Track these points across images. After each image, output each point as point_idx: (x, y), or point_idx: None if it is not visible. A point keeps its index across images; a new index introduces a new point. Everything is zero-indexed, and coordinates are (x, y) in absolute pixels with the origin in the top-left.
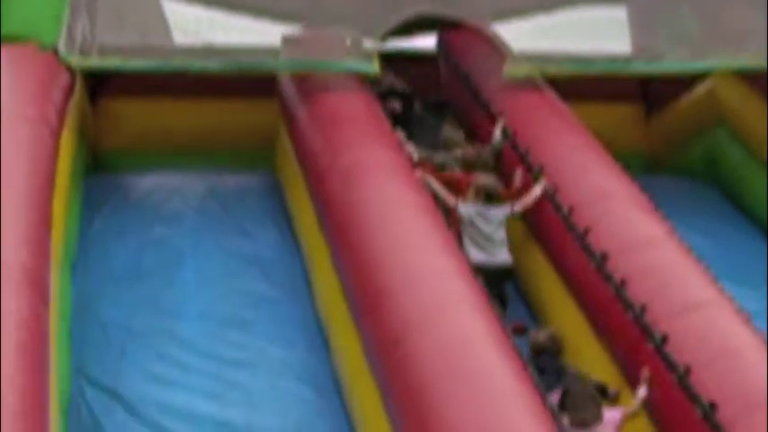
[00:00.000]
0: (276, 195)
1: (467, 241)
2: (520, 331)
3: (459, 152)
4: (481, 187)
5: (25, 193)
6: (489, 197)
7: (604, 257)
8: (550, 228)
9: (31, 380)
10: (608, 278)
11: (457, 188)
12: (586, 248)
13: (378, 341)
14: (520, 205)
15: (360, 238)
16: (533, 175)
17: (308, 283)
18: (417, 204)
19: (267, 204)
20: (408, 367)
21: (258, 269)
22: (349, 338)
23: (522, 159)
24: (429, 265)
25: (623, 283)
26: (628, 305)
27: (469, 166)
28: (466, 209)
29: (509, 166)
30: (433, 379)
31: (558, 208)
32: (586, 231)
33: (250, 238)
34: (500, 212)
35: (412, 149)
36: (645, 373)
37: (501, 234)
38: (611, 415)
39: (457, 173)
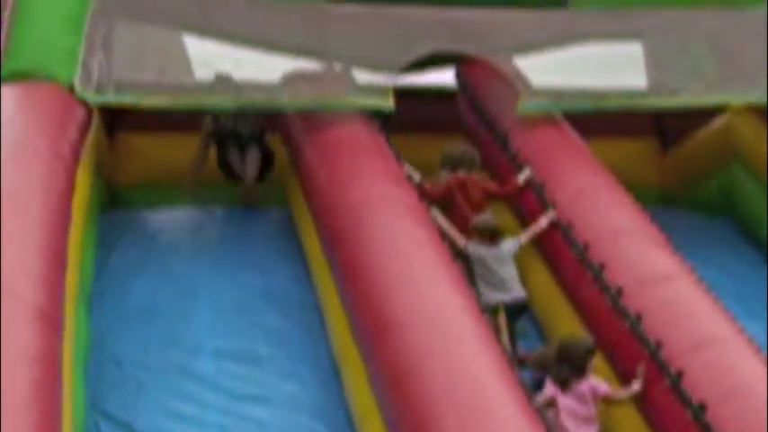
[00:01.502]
0: (290, 229)
1: (480, 283)
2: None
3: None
4: (481, 228)
5: (40, 229)
6: (492, 235)
7: (619, 293)
8: (566, 263)
9: (43, 416)
10: (623, 313)
11: (443, 200)
12: (602, 284)
13: (384, 376)
14: (526, 236)
15: (366, 273)
16: (545, 205)
17: (321, 318)
18: (424, 239)
19: (282, 239)
20: (415, 402)
21: (273, 304)
22: (358, 373)
23: (538, 194)
24: (436, 299)
25: (639, 318)
26: (643, 341)
27: (455, 166)
28: (475, 249)
29: (525, 201)
30: (439, 414)
31: (573, 243)
32: (602, 267)
33: (265, 273)
34: (507, 248)
35: (412, 171)
36: (641, 367)
37: (512, 270)
38: (596, 383)
39: (446, 178)
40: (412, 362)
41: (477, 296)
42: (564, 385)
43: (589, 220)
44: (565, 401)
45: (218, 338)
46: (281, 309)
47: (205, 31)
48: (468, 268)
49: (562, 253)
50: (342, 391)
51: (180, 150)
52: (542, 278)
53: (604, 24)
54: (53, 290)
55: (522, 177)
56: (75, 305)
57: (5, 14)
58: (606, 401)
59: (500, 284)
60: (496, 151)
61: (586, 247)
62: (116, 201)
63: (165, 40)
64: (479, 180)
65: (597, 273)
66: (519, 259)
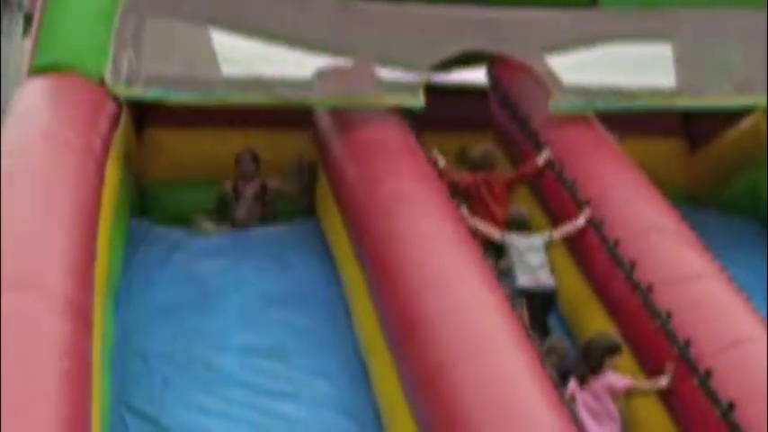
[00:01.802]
0: (319, 227)
1: (515, 268)
2: None
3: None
4: (517, 220)
5: (71, 222)
6: (521, 225)
7: (650, 290)
8: (597, 260)
9: (74, 409)
10: (653, 311)
11: (466, 192)
12: (632, 281)
13: (415, 375)
14: (559, 233)
15: (396, 270)
16: (580, 204)
17: (349, 315)
18: (454, 236)
19: (310, 236)
20: (445, 401)
21: (300, 301)
22: (387, 370)
23: (570, 191)
24: (466, 297)
25: (668, 316)
26: (672, 338)
27: (477, 166)
28: (510, 239)
29: (555, 199)
30: (470, 413)
31: (604, 240)
32: (633, 264)
33: (292, 269)
34: (539, 240)
35: (438, 156)
36: (670, 365)
37: (544, 259)
38: (614, 380)
39: (465, 175)
40: (442, 360)
41: (513, 281)
42: (582, 381)
43: (620, 217)
44: (582, 397)
45: (244, 334)
46: (308, 305)
47: (234, 26)
48: (498, 263)
49: (593, 250)
50: (369, 387)
51: (207, 146)
52: (571, 275)
53: (635, 24)
54: (83, 283)
55: (541, 158)
56: (104, 299)
57: (37, 8)
58: (632, 395)
59: (530, 271)
60: (528, 149)
61: (617, 244)
62: (144, 196)
63: (194, 35)
64: (500, 174)
65: (628, 270)
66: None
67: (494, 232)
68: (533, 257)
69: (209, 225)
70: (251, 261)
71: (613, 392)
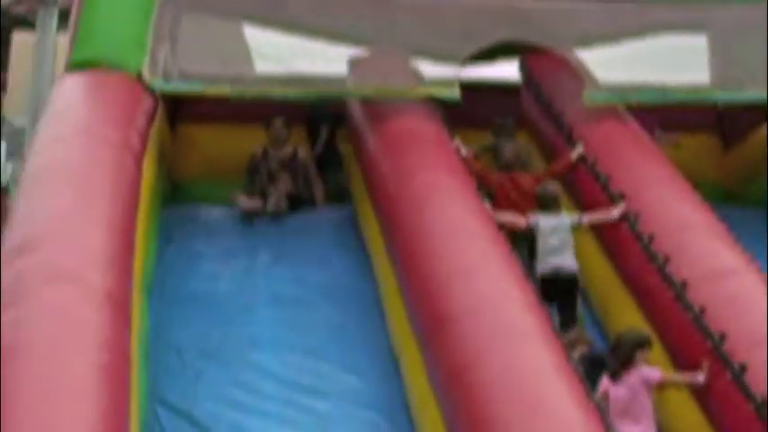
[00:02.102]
0: (353, 223)
1: (542, 249)
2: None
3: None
4: (545, 195)
5: (110, 216)
6: (551, 202)
7: (684, 286)
8: (630, 255)
9: (112, 402)
10: (687, 307)
11: (499, 189)
12: (666, 277)
13: (443, 369)
14: (588, 218)
15: (426, 265)
16: (613, 198)
17: (380, 309)
18: (484, 231)
19: (343, 231)
20: (473, 396)
21: (332, 296)
22: (416, 366)
23: (603, 187)
24: (495, 293)
25: (702, 311)
26: (707, 334)
27: (509, 166)
28: (535, 220)
29: (588, 194)
30: (497, 408)
31: (638, 236)
32: (666, 260)
33: (325, 264)
34: (567, 221)
35: (461, 145)
36: (706, 363)
37: (568, 242)
38: (647, 372)
39: (495, 173)
40: (470, 355)
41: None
42: (614, 376)
43: (654, 212)
44: (615, 393)
45: (277, 329)
46: (340, 301)
47: (270, 21)
48: (528, 252)
49: (627, 245)
50: (400, 383)
51: (240, 142)
52: (604, 269)
53: (670, 16)
54: (122, 276)
55: (574, 154)
56: (140, 292)
57: (75, 4)
58: (665, 390)
59: (549, 255)
60: (561, 145)
61: (651, 239)
62: (177, 192)
63: (230, 30)
64: (528, 174)
65: (662, 265)
66: (580, 250)
67: (519, 219)
68: (556, 240)
69: (242, 199)
70: (286, 254)
71: (648, 385)
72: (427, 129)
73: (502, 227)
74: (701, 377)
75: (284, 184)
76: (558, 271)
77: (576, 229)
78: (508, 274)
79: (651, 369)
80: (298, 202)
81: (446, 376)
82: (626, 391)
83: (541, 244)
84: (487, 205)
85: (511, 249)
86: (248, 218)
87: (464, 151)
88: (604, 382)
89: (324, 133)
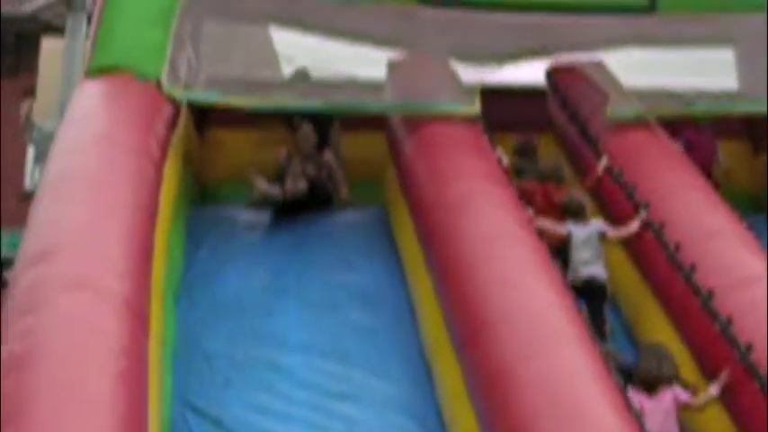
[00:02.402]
0: (383, 228)
1: (574, 259)
2: None
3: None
4: (569, 204)
5: (127, 223)
6: (578, 212)
7: (710, 295)
8: (657, 264)
9: (130, 408)
10: (714, 315)
11: (530, 199)
12: (692, 285)
13: (480, 374)
14: (615, 234)
15: (464, 270)
16: (638, 207)
17: (412, 315)
18: (522, 238)
19: (374, 237)
20: (510, 402)
21: (362, 300)
22: (451, 371)
23: (629, 195)
24: (533, 300)
25: (729, 320)
26: (733, 343)
27: (546, 178)
28: (570, 229)
29: (615, 202)
30: (534, 416)
31: (664, 245)
32: (693, 268)
33: (355, 270)
34: (593, 228)
35: (502, 154)
36: (725, 373)
37: (598, 252)
38: (678, 392)
39: (532, 183)
40: (507, 362)
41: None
42: (650, 390)
43: (681, 220)
44: (650, 407)
45: (306, 334)
46: (371, 305)
47: (294, 29)
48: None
49: (653, 253)
50: (432, 389)
51: (268, 146)
52: (631, 278)
53: (694, 29)
54: (140, 282)
55: (600, 167)
56: (163, 298)
57: (95, 10)
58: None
59: (580, 266)
60: (587, 152)
61: (678, 247)
62: (205, 196)
63: (253, 37)
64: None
65: (688, 274)
66: (608, 258)
67: (559, 227)
68: (589, 250)
69: (261, 182)
70: (315, 257)
71: (677, 405)
72: (465, 133)
73: (541, 234)
74: (713, 390)
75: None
76: (590, 282)
77: (602, 238)
78: (546, 281)
79: (682, 391)
80: (318, 189)
81: (483, 381)
82: (661, 408)
83: (575, 254)
84: (531, 211)
85: (550, 255)
86: (264, 203)
87: (505, 161)
88: (639, 397)
89: (333, 134)
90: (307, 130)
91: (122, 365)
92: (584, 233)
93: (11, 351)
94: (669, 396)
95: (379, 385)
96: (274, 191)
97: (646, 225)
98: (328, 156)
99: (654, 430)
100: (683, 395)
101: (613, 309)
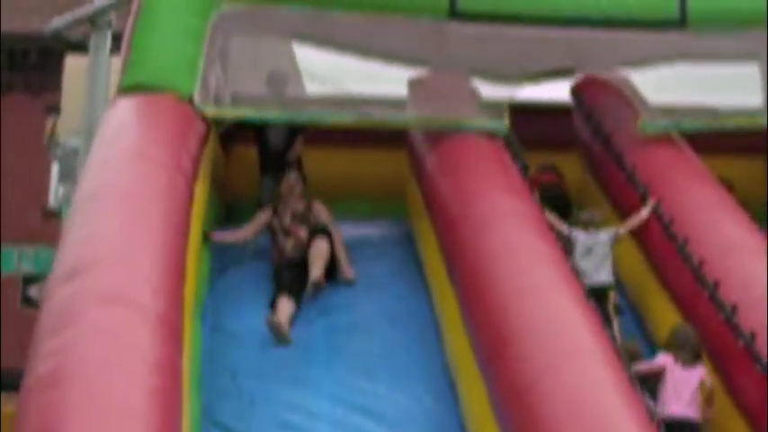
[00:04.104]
0: (408, 244)
1: (582, 265)
2: None
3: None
4: (585, 221)
5: (161, 239)
6: (586, 224)
7: (734, 310)
8: (680, 279)
9: (164, 425)
10: (737, 331)
11: None
12: (716, 301)
13: (504, 390)
14: (624, 228)
15: (488, 286)
16: (641, 195)
17: (436, 331)
18: (546, 254)
19: (398, 253)
20: (534, 417)
21: (387, 317)
22: (475, 387)
23: (654, 210)
24: (558, 315)
25: (753, 336)
26: (757, 359)
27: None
28: (576, 234)
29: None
30: (558, 428)
31: (688, 259)
32: (717, 284)
33: (380, 285)
34: (607, 236)
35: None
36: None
37: (607, 257)
38: (700, 371)
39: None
40: (532, 377)
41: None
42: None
43: (705, 236)
44: (689, 378)
45: (331, 351)
46: (395, 321)
47: (322, 45)
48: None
49: (677, 269)
50: (456, 405)
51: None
52: (656, 295)
53: (723, 44)
54: (173, 299)
55: (645, 210)
56: (192, 316)
57: (127, 28)
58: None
59: (594, 267)
60: (612, 168)
61: (702, 263)
62: (230, 214)
63: (282, 53)
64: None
65: (712, 290)
66: (632, 275)
67: (562, 226)
68: (591, 260)
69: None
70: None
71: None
72: (489, 148)
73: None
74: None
75: (303, 233)
76: (592, 286)
77: (618, 242)
78: (570, 295)
79: (704, 370)
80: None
81: (508, 397)
82: (694, 380)
83: (577, 262)
84: (548, 214)
85: (573, 270)
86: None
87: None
88: (675, 366)
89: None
90: (292, 178)
91: (156, 382)
92: (589, 242)
93: (44, 367)
94: (701, 371)
95: (403, 401)
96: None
97: (670, 240)
98: (318, 207)
99: (686, 400)
100: (708, 377)
101: (639, 326)
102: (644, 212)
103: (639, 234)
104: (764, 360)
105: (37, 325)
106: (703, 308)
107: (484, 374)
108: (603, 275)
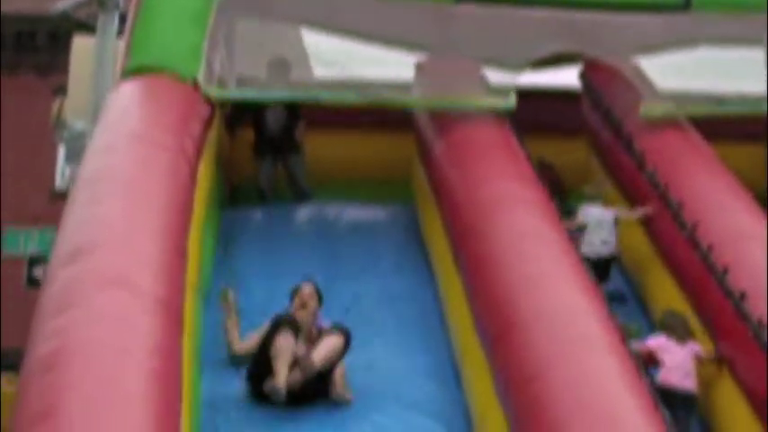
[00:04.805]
0: (413, 228)
1: (585, 238)
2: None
3: None
4: (591, 195)
5: (162, 222)
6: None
7: (743, 297)
8: (689, 266)
9: (163, 407)
10: (746, 318)
11: None
12: (725, 287)
13: (510, 377)
14: (622, 214)
15: (495, 272)
16: (650, 182)
17: (440, 317)
18: (553, 240)
19: (403, 238)
20: (540, 405)
21: (391, 303)
22: (480, 373)
23: (662, 196)
24: (564, 302)
25: (760, 324)
26: (765, 346)
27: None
28: (589, 211)
29: (647, 201)
30: (564, 419)
31: (696, 246)
32: (725, 270)
33: (385, 271)
34: (608, 214)
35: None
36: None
37: (611, 233)
38: (697, 347)
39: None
40: (538, 364)
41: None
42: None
43: (713, 222)
44: (682, 354)
45: None
46: (399, 307)
47: (327, 27)
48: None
49: (686, 255)
50: (460, 391)
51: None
52: (663, 280)
53: (727, 29)
54: (174, 282)
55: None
56: (195, 299)
57: (131, 10)
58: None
59: (594, 243)
60: (621, 153)
61: (710, 249)
62: (235, 196)
63: (286, 36)
64: None
65: (721, 276)
66: (638, 259)
67: (572, 223)
68: (601, 232)
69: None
70: (343, 259)
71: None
72: (495, 134)
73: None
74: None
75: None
76: (599, 257)
77: (618, 222)
78: (577, 282)
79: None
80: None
81: (513, 384)
82: (689, 356)
83: (589, 232)
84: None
85: (580, 258)
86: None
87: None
88: (671, 343)
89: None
90: (307, 290)
91: (156, 364)
92: (599, 215)
93: (45, 348)
94: (692, 346)
95: (406, 388)
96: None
97: (680, 227)
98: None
99: (682, 373)
100: (701, 351)
101: (645, 313)
102: (634, 214)
103: (647, 218)
104: None
105: (37, 306)
106: (712, 294)
107: (489, 361)
108: (611, 248)
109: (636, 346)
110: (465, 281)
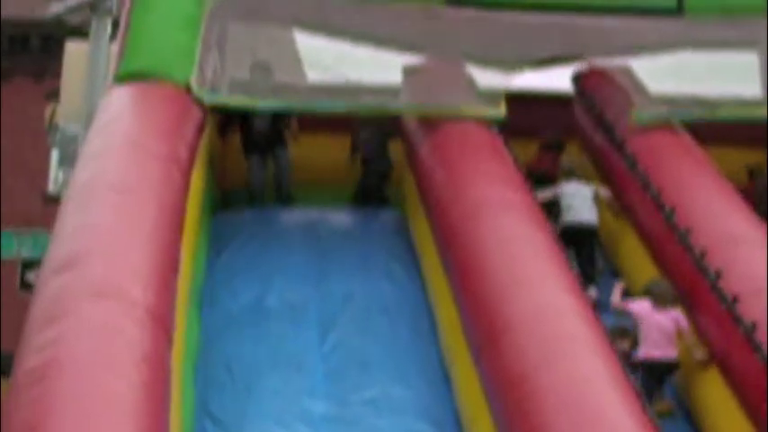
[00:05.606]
0: (402, 233)
1: (562, 211)
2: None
3: None
4: (562, 168)
5: (153, 230)
6: (569, 174)
7: (735, 300)
8: (683, 270)
9: (152, 417)
10: (738, 321)
11: None
12: (718, 292)
13: (498, 379)
14: (603, 192)
15: (481, 276)
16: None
17: (431, 320)
18: (540, 243)
19: (393, 241)
20: (528, 407)
21: (382, 307)
22: (469, 376)
23: (655, 200)
24: (551, 304)
25: (754, 326)
26: (757, 348)
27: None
28: (564, 186)
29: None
30: (553, 419)
31: (689, 250)
32: (718, 275)
33: (375, 276)
34: (589, 191)
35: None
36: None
37: (590, 204)
38: (681, 316)
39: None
40: (525, 366)
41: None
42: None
43: (706, 226)
44: (663, 320)
45: (326, 341)
46: (389, 311)
47: (319, 32)
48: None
49: (679, 259)
50: (450, 394)
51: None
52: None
53: (720, 33)
54: (164, 292)
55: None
56: (187, 307)
57: (123, 15)
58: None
59: (573, 211)
60: (613, 157)
61: (703, 253)
62: (226, 201)
63: (278, 41)
64: None
65: (713, 280)
66: (630, 263)
67: (548, 192)
68: (578, 200)
69: None
70: (333, 263)
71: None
72: (483, 137)
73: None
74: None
75: None
76: (581, 222)
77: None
78: (564, 285)
79: (683, 317)
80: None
81: (502, 387)
82: (668, 323)
83: (565, 203)
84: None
85: (567, 259)
86: None
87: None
88: (650, 309)
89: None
90: None
91: (145, 375)
92: (572, 188)
93: (35, 361)
94: (675, 315)
95: (397, 391)
96: None
97: (672, 230)
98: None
99: (657, 338)
100: (684, 321)
101: None
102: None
103: (640, 222)
104: (765, 350)
105: (28, 316)
106: (704, 297)
107: (477, 364)
108: (592, 215)
109: (616, 302)
110: (452, 284)
